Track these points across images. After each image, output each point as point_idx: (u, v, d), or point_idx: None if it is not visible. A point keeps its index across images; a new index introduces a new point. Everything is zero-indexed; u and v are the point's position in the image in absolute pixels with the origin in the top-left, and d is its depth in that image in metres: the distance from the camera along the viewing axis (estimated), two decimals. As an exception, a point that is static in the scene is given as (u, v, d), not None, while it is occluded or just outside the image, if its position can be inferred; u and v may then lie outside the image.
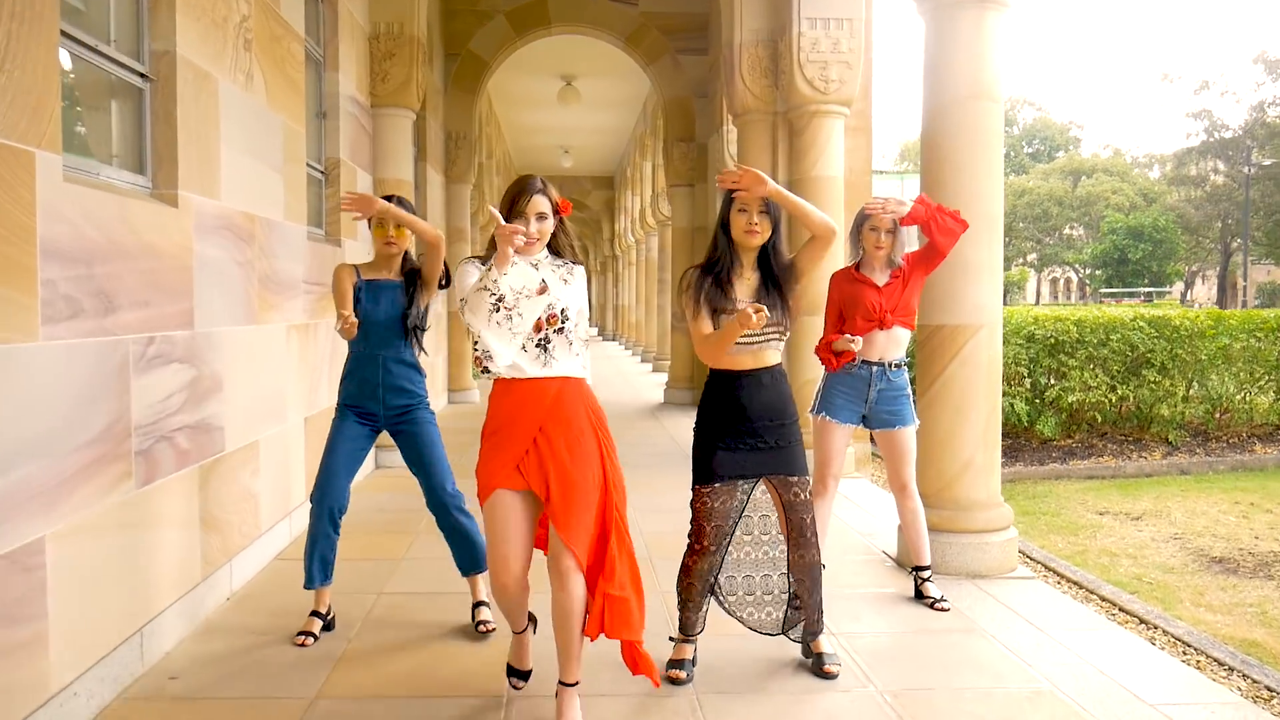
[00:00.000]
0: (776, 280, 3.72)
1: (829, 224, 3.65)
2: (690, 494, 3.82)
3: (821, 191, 8.15)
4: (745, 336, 3.65)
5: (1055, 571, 6.08)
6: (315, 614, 4.26)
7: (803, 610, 3.90)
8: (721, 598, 3.90)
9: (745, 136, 8.95)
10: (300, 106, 6.16)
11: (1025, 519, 7.48)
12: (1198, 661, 4.64)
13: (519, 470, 3.27)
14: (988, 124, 5.32)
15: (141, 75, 4.16)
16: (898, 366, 4.78)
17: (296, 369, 6.04)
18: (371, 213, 4.21)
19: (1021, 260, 62.29)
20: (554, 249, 3.44)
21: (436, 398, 12.73)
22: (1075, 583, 5.87)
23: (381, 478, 7.99)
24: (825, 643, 3.96)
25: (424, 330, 4.36)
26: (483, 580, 4.38)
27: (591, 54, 14.96)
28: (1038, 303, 62.81)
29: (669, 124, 14.06)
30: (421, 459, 4.27)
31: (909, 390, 4.84)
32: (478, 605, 4.39)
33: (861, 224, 4.82)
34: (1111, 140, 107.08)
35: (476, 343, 3.19)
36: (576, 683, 3.33)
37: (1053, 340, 10.00)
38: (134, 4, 4.15)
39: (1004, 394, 9.55)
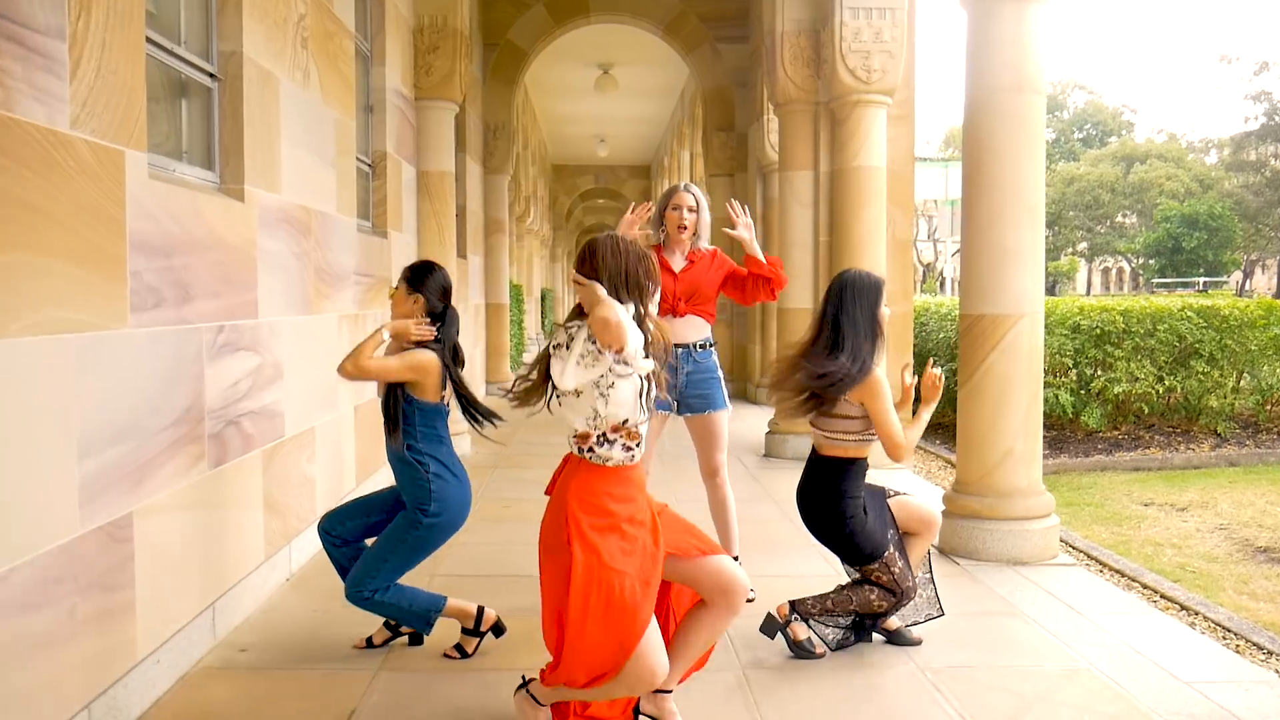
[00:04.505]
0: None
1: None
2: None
3: (864, 182, 8.39)
4: None
5: (1097, 560, 6.28)
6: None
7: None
8: None
9: (787, 127, 9.18)
10: (350, 101, 6.47)
11: (1069, 510, 7.67)
12: (1237, 645, 4.84)
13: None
14: (1030, 116, 5.52)
15: (210, 75, 4.47)
16: (703, 348, 4.82)
17: (347, 358, 6.34)
18: None
19: (1071, 250, 61.83)
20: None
21: (475, 390, 13.04)
22: (1117, 571, 6.07)
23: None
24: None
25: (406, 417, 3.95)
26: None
27: (629, 42, 15.22)
28: (1088, 293, 62.34)
29: (708, 113, 14.29)
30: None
31: (719, 373, 4.90)
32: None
33: (666, 202, 4.94)
34: (1166, 125, 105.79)
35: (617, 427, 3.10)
36: None
37: (1098, 331, 10.17)
38: (204, 6, 4.46)
39: (1048, 385, 9.72)
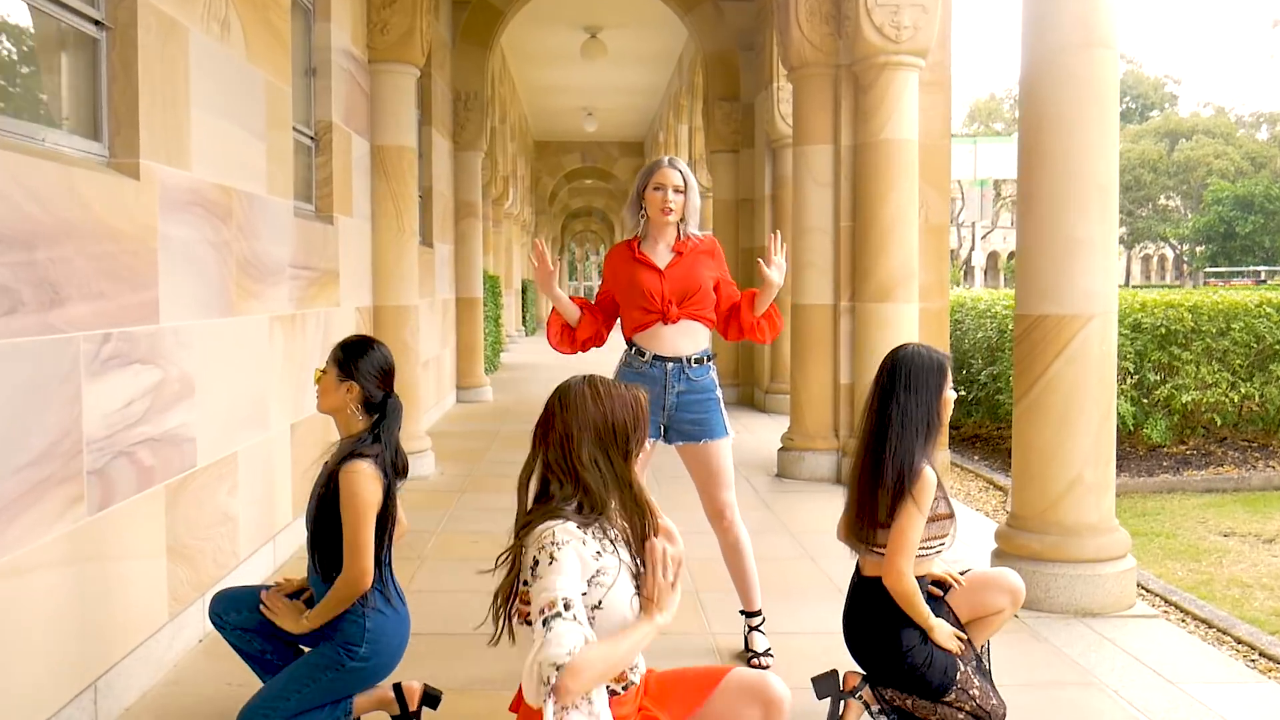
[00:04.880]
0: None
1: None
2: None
3: (893, 157, 7.92)
4: None
5: (1178, 607, 5.85)
6: None
7: None
8: None
9: (802, 94, 8.69)
10: (285, 61, 5.98)
11: (1136, 541, 7.18)
12: (1361, 722, 4.38)
13: None
14: (1102, 75, 5.06)
15: (96, 23, 3.96)
16: (699, 362, 4.33)
17: (281, 367, 5.86)
18: None
19: (1110, 235, 61.71)
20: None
21: (443, 396, 12.59)
22: (1204, 620, 5.64)
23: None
24: None
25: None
26: None
27: (620, 1, 14.82)
28: (1128, 283, 62.13)
29: (709, 81, 13.87)
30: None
31: (717, 393, 4.40)
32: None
33: (645, 181, 4.36)
34: (1213, 97, 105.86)
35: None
36: None
37: (1163, 330, 9.77)
38: (86, -63, 3.96)
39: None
